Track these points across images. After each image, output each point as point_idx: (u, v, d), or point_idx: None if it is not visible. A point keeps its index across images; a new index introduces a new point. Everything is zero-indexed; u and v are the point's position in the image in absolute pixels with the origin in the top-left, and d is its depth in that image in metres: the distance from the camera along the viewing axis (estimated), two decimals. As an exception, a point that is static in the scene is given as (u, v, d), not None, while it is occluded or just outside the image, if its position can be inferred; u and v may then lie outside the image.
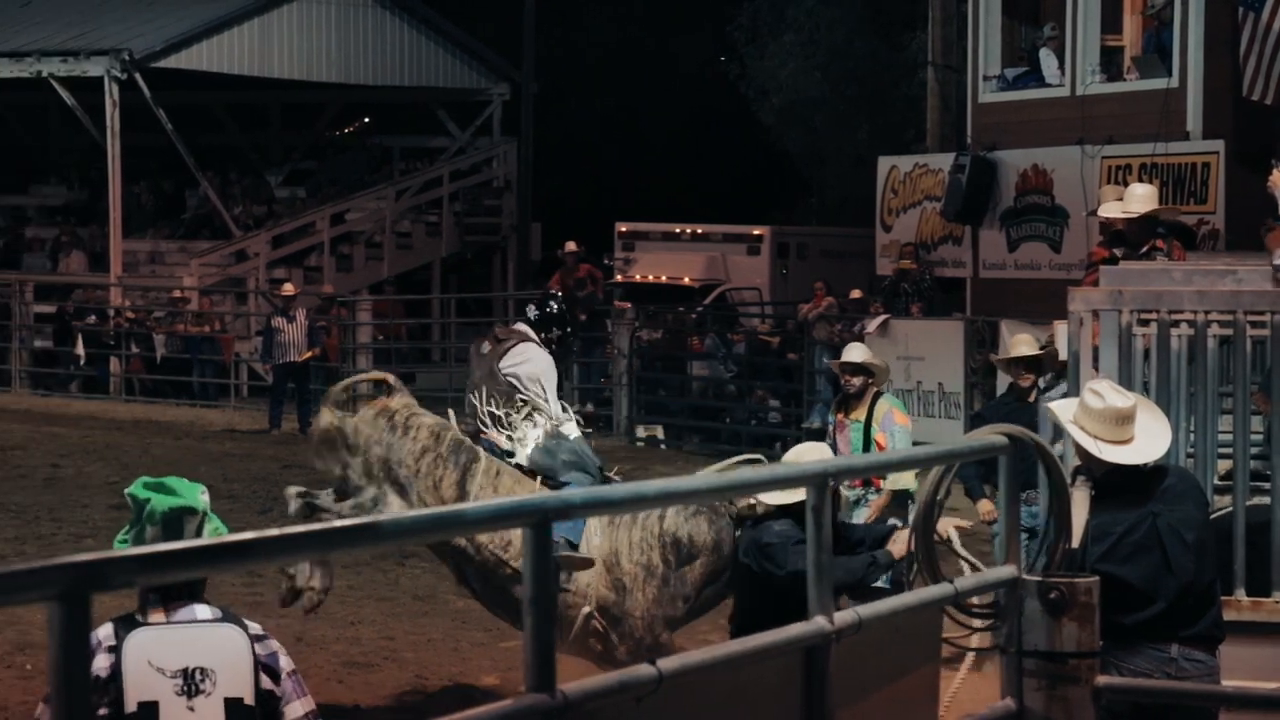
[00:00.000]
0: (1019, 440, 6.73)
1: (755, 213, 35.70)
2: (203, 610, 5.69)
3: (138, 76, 31.87)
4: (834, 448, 12.73)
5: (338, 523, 4.06)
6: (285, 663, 5.75)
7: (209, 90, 35.69)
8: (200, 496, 5.81)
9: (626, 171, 42.83)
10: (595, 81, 43.44)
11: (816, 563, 5.54)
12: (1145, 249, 12.22)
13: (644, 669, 4.72)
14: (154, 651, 5.58)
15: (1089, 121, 22.72)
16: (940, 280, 25.52)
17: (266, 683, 5.70)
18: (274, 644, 5.74)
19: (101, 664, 5.51)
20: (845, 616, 5.56)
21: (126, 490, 5.86)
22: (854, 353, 13.25)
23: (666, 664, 4.78)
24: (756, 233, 33.21)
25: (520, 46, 35.31)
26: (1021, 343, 13.42)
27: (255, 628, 5.74)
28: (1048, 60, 23.57)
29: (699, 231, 33.37)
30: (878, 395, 13.02)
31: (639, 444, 26.26)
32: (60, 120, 36.60)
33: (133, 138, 32.36)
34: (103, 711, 5.50)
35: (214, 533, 5.79)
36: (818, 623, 5.45)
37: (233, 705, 5.62)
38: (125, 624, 5.66)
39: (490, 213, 36.14)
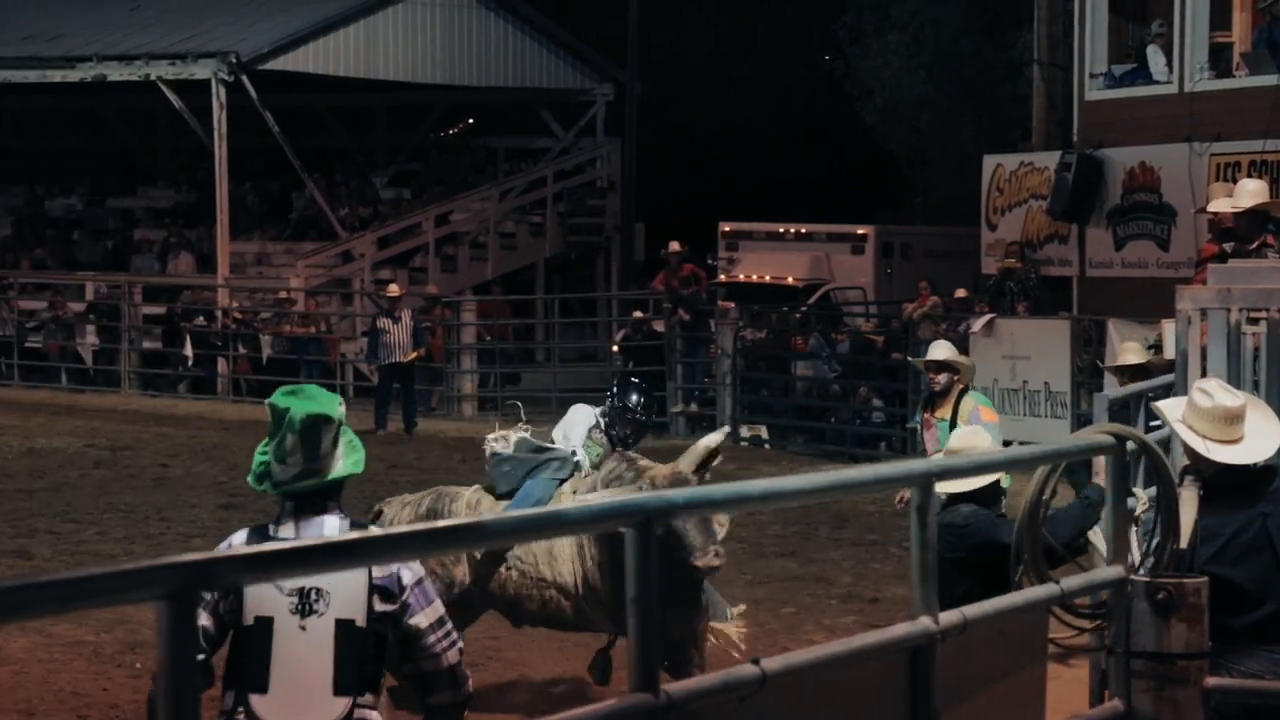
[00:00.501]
0: (1124, 439, 6.67)
1: (860, 212, 35.60)
2: (331, 528, 5.80)
3: (244, 79, 32.11)
4: (922, 446, 12.73)
5: (442, 523, 4.07)
6: (408, 577, 5.81)
7: (315, 92, 35.95)
8: (337, 407, 5.97)
9: (730, 171, 42.80)
10: (699, 81, 43.44)
11: (921, 562, 5.51)
12: (1255, 245, 12.08)
13: (748, 669, 4.71)
14: None
15: (1197, 118, 22.50)
16: (1046, 279, 25.34)
17: (380, 605, 5.76)
18: (394, 565, 5.75)
19: None
20: (950, 617, 5.53)
21: (267, 400, 6.09)
22: (938, 350, 13.22)
23: (770, 664, 4.76)
24: (861, 232, 33.10)
25: (624, 47, 35.36)
26: (1129, 350, 13.32)
27: None
28: (1155, 57, 23.37)
29: (803, 231, 33.29)
30: (964, 393, 12.96)
31: (743, 444, 26.22)
32: (168, 123, 36.95)
33: (239, 140, 32.62)
34: (207, 625, 5.69)
35: (348, 444, 5.98)
36: (922, 623, 5.42)
37: (343, 626, 5.72)
38: (258, 534, 5.88)
39: (594, 213, 36.20)
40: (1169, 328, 11.56)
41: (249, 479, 6.15)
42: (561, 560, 10.62)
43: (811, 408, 26.95)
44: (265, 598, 5.72)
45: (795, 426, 26.46)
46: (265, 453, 6.02)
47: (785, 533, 17.53)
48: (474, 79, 35.66)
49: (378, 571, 5.72)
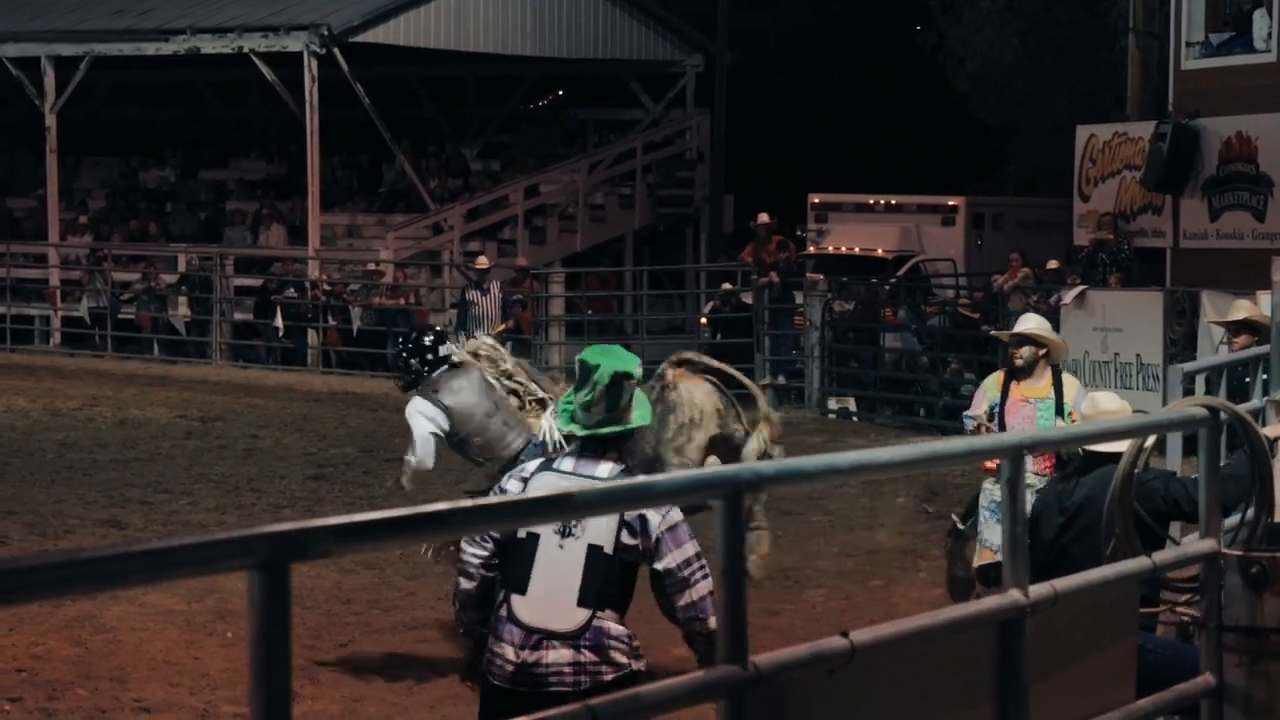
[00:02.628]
0: (1219, 412, 6.61)
1: (950, 183, 35.39)
2: (604, 470, 6.86)
3: (336, 51, 32.24)
4: (1001, 424, 12.12)
5: (530, 494, 4.07)
6: (659, 522, 6.81)
7: (405, 64, 36.05)
8: (636, 367, 7.03)
9: (820, 142, 42.65)
10: (789, 52, 43.28)
11: (1012, 534, 5.48)
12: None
13: (837, 641, 4.70)
14: (551, 490, 6.56)
15: (1294, 88, 22.28)
16: (1139, 250, 25.15)
17: (627, 538, 6.81)
18: (648, 510, 6.72)
19: (515, 487, 6.90)
20: (1041, 590, 5.50)
21: (578, 357, 7.07)
22: (1028, 322, 12.59)
23: (859, 636, 4.75)
24: (951, 203, 32.91)
25: (714, 18, 35.26)
26: (1240, 307, 13.24)
27: (611, 469, 6.88)
28: (1260, 22, 23.09)
29: (892, 202, 33.13)
30: (1057, 371, 12.41)
31: (831, 416, 26.17)
32: (260, 95, 37.14)
33: (330, 112, 32.76)
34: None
35: (640, 403, 6.99)
36: (1012, 596, 5.39)
37: (594, 551, 6.79)
38: (544, 465, 6.98)
39: (683, 185, 36.15)
40: (1265, 298, 11.45)
41: (558, 421, 7.30)
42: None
43: (900, 380, 26.85)
44: None
45: (884, 399, 26.38)
46: (571, 400, 6.97)
47: (874, 505, 17.50)
48: (564, 50, 35.66)
49: (629, 512, 6.72)
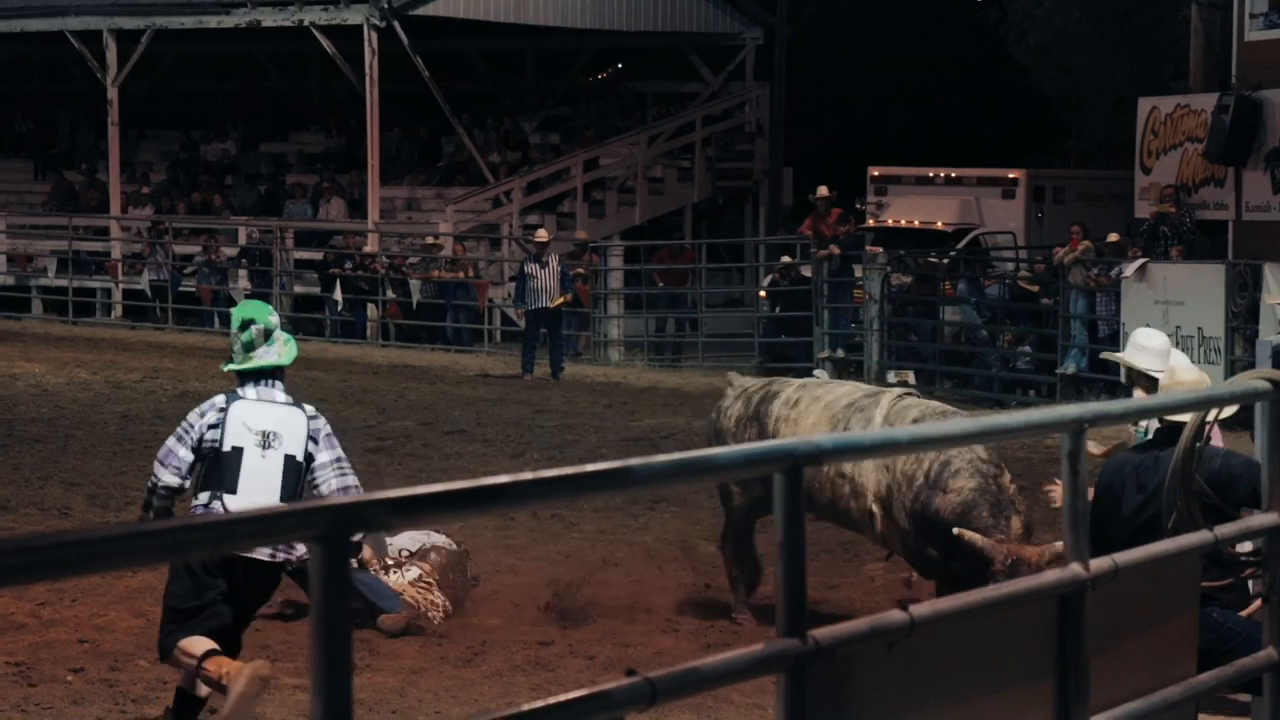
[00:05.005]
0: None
1: (1010, 156, 35.26)
2: (280, 394, 8.99)
3: (396, 24, 32.29)
4: None
5: (590, 466, 4.08)
6: (324, 429, 8.99)
7: (465, 37, 36.08)
8: (266, 315, 9.07)
9: (879, 115, 42.52)
10: (849, 25, 43.14)
11: (1072, 508, 5.47)
12: None
13: (896, 615, 4.69)
14: (247, 415, 8.89)
15: (1358, 59, 22.11)
16: (1201, 223, 25.00)
17: (311, 447, 8.93)
18: (320, 422, 8.99)
19: (212, 418, 8.88)
20: (1101, 564, 5.48)
21: (233, 311, 9.21)
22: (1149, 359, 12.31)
23: (919, 610, 4.74)
24: (1012, 176, 32.78)
25: (773, -10, 35.17)
26: None
27: (310, 409, 9.02)
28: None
29: (952, 175, 33.01)
30: None
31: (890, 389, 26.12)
32: (320, 68, 37.25)
33: (390, 85, 32.81)
34: (209, 447, 8.79)
35: (289, 345, 9.10)
36: (1073, 569, 5.38)
37: (289, 459, 8.85)
38: (232, 396, 8.97)
39: (742, 158, 36.10)
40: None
41: (230, 364, 9.12)
42: (866, 463, 10.82)
43: (959, 353, 26.78)
44: (241, 434, 8.83)
45: (943, 372, 26.32)
46: (235, 347, 9.05)
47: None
48: (623, 23, 35.63)
49: (311, 426, 8.92)
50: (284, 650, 10.98)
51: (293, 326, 31.89)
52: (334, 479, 8.91)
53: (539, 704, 3.95)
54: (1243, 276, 22.00)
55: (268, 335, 8.98)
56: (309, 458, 8.89)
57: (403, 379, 25.92)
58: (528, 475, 3.96)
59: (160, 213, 35.34)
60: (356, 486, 8.97)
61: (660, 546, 14.31)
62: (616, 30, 35.85)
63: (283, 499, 8.64)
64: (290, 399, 9.01)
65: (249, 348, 8.99)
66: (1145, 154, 25.83)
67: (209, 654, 8.75)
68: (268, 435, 8.86)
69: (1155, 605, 5.99)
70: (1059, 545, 9.57)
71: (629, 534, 14.75)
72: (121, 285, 34.24)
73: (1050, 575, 5.42)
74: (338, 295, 31.18)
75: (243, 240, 33.73)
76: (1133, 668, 5.79)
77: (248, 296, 32.80)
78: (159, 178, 37.22)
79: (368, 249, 32.03)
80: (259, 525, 3.63)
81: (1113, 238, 25.31)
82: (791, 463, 4.48)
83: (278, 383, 9.01)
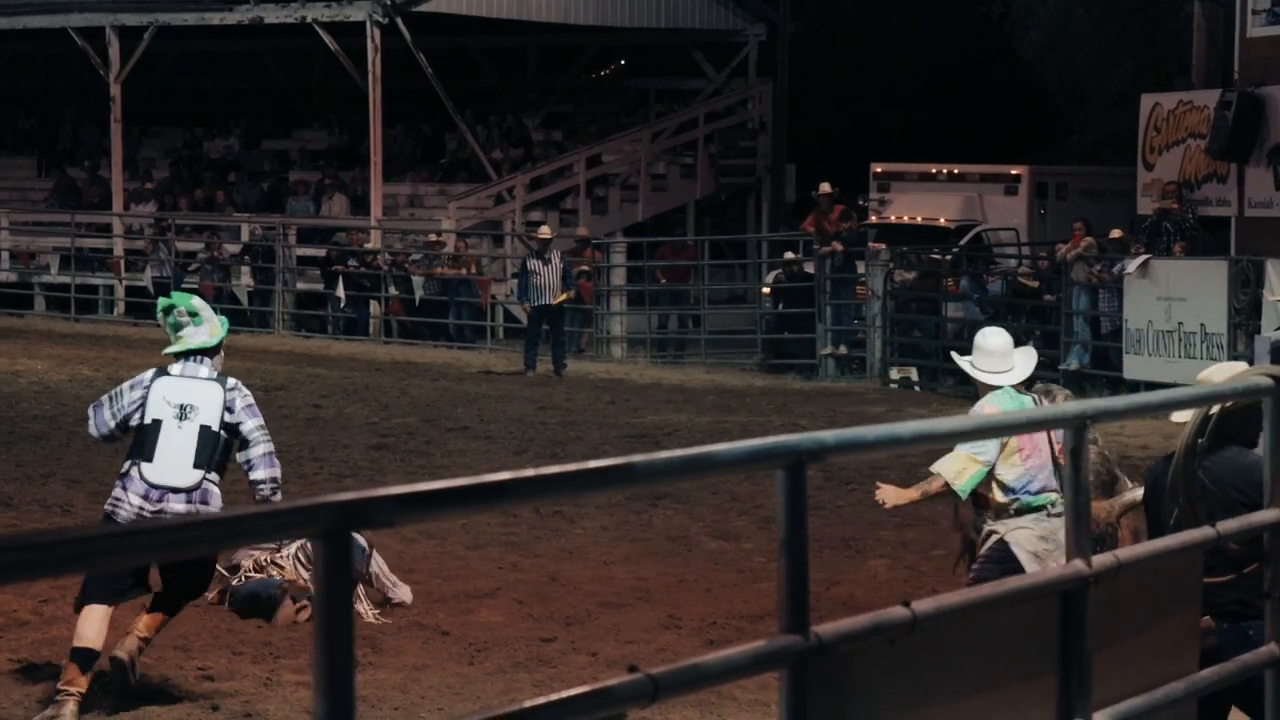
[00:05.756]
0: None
1: (1013, 152, 35.22)
2: (204, 370, 9.84)
3: (399, 21, 32.28)
4: None
5: (592, 463, 4.08)
6: (241, 401, 9.80)
7: (468, 34, 36.08)
8: (186, 301, 10.12)
9: (882, 111, 42.48)
10: (852, 21, 43.12)
11: (1074, 504, 5.47)
12: None
13: (898, 611, 4.69)
14: (167, 390, 9.78)
15: (1361, 56, 22.11)
16: (1203, 219, 25.00)
17: (228, 417, 9.75)
18: (239, 393, 9.79)
19: (137, 395, 9.80)
20: (1104, 560, 5.49)
21: (161, 302, 10.31)
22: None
23: (921, 606, 4.74)
24: (1014, 172, 32.75)
25: (775, -13, 35.14)
26: None
27: (232, 382, 9.85)
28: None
29: (955, 171, 32.99)
30: None
31: (892, 385, 26.13)
32: (323, 65, 37.24)
33: (393, 82, 32.81)
34: (134, 421, 9.71)
35: (217, 327, 9.97)
36: (1075, 566, 5.38)
37: (204, 429, 9.70)
38: (159, 372, 9.90)
39: (745, 154, 36.09)
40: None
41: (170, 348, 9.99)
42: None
43: (962, 350, 26.73)
44: (160, 407, 9.73)
45: (946, 369, 26.31)
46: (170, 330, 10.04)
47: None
48: (626, 20, 35.62)
49: (228, 397, 9.74)
50: (286, 647, 10.99)
51: (295, 323, 31.99)
52: (261, 444, 9.74)
53: (541, 700, 3.95)
54: (1245, 272, 22.01)
55: (193, 315, 9.93)
56: (228, 427, 9.72)
57: (405, 376, 25.92)
58: (530, 472, 3.97)
59: (163, 209, 35.34)
60: (272, 454, 9.82)
61: (662, 542, 14.33)
62: (619, 27, 35.84)
63: (196, 466, 9.66)
64: (213, 374, 9.81)
65: (176, 328, 9.92)
66: (1148, 150, 25.83)
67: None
68: (184, 408, 9.70)
69: (1157, 602, 5.99)
70: (1131, 496, 9.49)
71: (631, 530, 14.75)
72: (124, 282, 34.23)
73: (1053, 572, 5.42)
74: (340, 292, 31.18)
75: (245, 237, 33.73)
76: (1135, 664, 5.79)
77: (250, 293, 32.91)
78: (162, 174, 37.22)
79: (370, 245, 32.03)
80: (261, 522, 3.64)
81: (1115, 234, 25.31)
82: (794, 459, 4.48)
83: (206, 360, 9.84)
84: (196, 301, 10.10)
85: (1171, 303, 22.43)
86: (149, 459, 9.65)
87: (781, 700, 4.41)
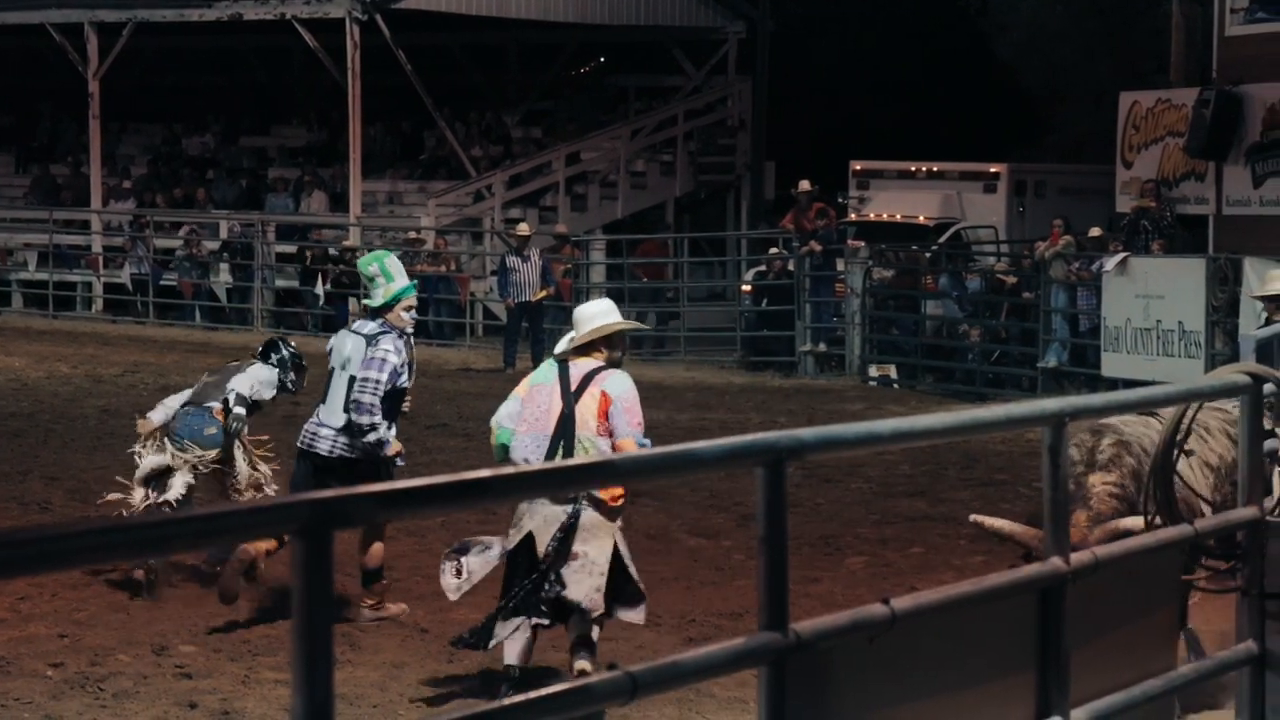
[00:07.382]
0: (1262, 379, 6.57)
1: (992, 150, 35.26)
2: (369, 327, 11.52)
3: (378, 17, 32.25)
4: None
5: (573, 461, 4.08)
6: (369, 354, 11.32)
7: (447, 31, 36.04)
8: (369, 268, 11.62)
9: (861, 109, 42.50)
10: (831, 19, 43.14)
11: (1052, 501, 5.47)
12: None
13: (877, 608, 4.70)
14: (338, 344, 11.65)
15: (1339, 54, 22.16)
16: (1182, 217, 25.04)
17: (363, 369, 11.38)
18: (375, 348, 11.35)
19: (328, 346, 11.80)
20: (1082, 558, 5.49)
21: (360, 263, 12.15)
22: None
23: (900, 603, 4.75)
24: (993, 170, 32.80)
25: (755, -16, 35.14)
26: (1277, 279, 13.12)
27: (383, 339, 11.35)
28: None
29: (934, 169, 33.02)
30: None
31: (871, 383, 26.15)
32: (302, 62, 37.19)
33: (372, 79, 32.77)
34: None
35: (393, 284, 11.48)
36: (1054, 563, 5.38)
37: (353, 379, 11.38)
38: (343, 331, 11.91)
39: (724, 152, 36.10)
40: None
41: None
42: None
43: (941, 347, 26.81)
44: (333, 359, 11.53)
45: (925, 366, 26.35)
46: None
47: (914, 472, 17.48)
48: (605, 17, 35.61)
49: (367, 350, 11.36)
50: (265, 644, 10.98)
51: (274, 320, 31.94)
52: (361, 394, 11.34)
53: (520, 698, 3.95)
54: (1223, 270, 22.05)
55: (372, 280, 11.47)
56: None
57: (384, 373, 25.84)
58: (510, 469, 3.97)
59: (141, 206, 35.27)
60: (361, 403, 11.31)
61: (641, 540, 14.32)
62: (598, 24, 35.83)
63: (346, 410, 11.43)
64: (375, 329, 11.41)
65: (368, 292, 11.60)
66: (1126, 148, 25.87)
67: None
68: (345, 360, 11.46)
69: (1135, 599, 6.00)
70: (1115, 524, 9.34)
71: (611, 528, 14.73)
72: (102, 279, 34.16)
73: (1031, 569, 5.43)
74: (319, 289, 31.13)
75: (224, 234, 33.67)
76: (1113, 661, 5.80)
77: (229, 290, 32.81)
78: (140, 171, 37.15)
79: (348, 243, 31.98)
80: (240, 520, 3.63)
81: (1094, 232, 25.35)
82: (774, 456, 4.48)
83: (375, 320, 11.44)
84: (375, 266, 11.53)
85: (1150, 300, 22.46)
86: (324, 400, 11.65)
87: (761, 697, 4.41)
